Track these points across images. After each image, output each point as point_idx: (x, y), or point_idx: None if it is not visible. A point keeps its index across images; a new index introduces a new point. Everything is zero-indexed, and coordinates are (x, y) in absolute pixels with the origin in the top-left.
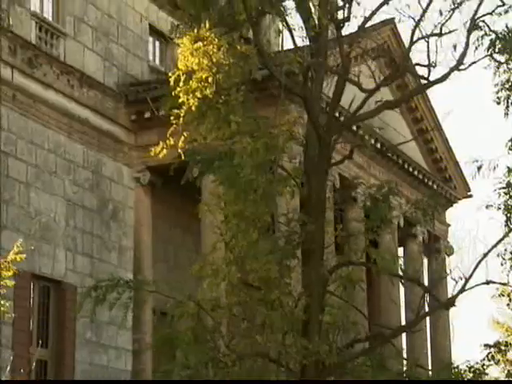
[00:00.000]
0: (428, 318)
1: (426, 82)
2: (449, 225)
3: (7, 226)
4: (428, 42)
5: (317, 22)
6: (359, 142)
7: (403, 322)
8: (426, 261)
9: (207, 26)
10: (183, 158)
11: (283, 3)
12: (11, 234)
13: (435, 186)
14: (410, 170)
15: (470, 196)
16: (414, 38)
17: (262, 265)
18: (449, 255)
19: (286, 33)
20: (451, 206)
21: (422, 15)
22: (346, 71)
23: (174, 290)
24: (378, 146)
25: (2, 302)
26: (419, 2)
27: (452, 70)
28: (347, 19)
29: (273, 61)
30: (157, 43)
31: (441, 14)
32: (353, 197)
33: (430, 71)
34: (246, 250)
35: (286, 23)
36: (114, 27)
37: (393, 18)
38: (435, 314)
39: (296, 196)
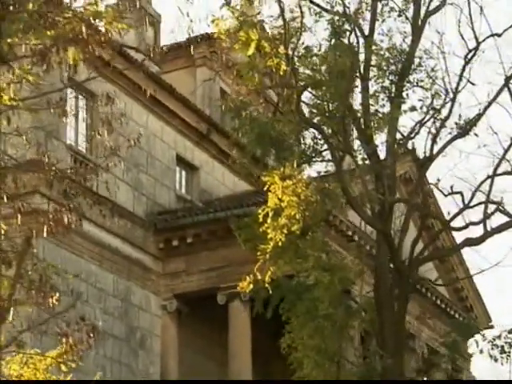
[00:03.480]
0: None
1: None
2: (471, 355)
3: None
4: None
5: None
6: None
7: None
8: None
9: (294, 164)
10: (270, 291)
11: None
12: None
13: (457, 316)
14: (433, 298)
15: (492, 327)
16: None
17: None
18: None
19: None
20: (472, 336)
21: (502, 158)
22: (428, 209)
23: None
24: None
25: None
26: (501, 144)
27: None
28: (429, 159)
29: (355, 198)
30: (183, 172)
31: None
32: None
33: None
34: None
35: (356, 162)
36: (143, 158)
37: (414, 149)
38: None
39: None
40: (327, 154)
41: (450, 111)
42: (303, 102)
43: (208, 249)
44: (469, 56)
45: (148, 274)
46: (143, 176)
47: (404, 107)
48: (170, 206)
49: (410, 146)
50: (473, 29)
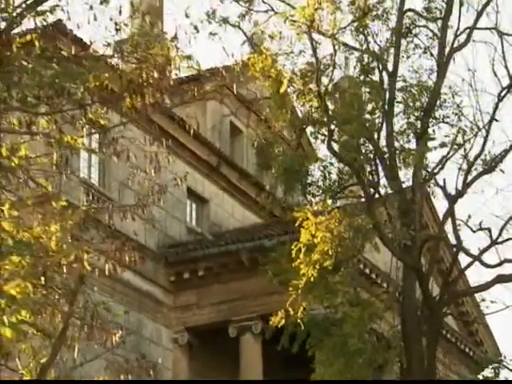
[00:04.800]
0: None
1: None
2: None
3: None
4: None
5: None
6: None
7: None
8: None
9: (327, 200)
10: (302, 327)
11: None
12: None
13: (467, 350)
14: (443, 332)
15: (501, 361)
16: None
17: None
18: None
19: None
20: (482, 370)
21: None
22: (460, 243)
23: None
24: None
25: None
26: None
27: None
28: (461, 195)
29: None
30: (193, 205)
31: None
32: None
33: None
34: None
35: (384, 198)
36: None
37: (424, 181)
38: None
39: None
40: (353, 189)
41: (483, 148)
42: (334, 140)
43: (219, 282)
44: (502, 94)
45: (159, 307)
46: (154, 208)
47: (433, 143)
48: (180, 238)
49: (434, 180)
50: (506, 67)
